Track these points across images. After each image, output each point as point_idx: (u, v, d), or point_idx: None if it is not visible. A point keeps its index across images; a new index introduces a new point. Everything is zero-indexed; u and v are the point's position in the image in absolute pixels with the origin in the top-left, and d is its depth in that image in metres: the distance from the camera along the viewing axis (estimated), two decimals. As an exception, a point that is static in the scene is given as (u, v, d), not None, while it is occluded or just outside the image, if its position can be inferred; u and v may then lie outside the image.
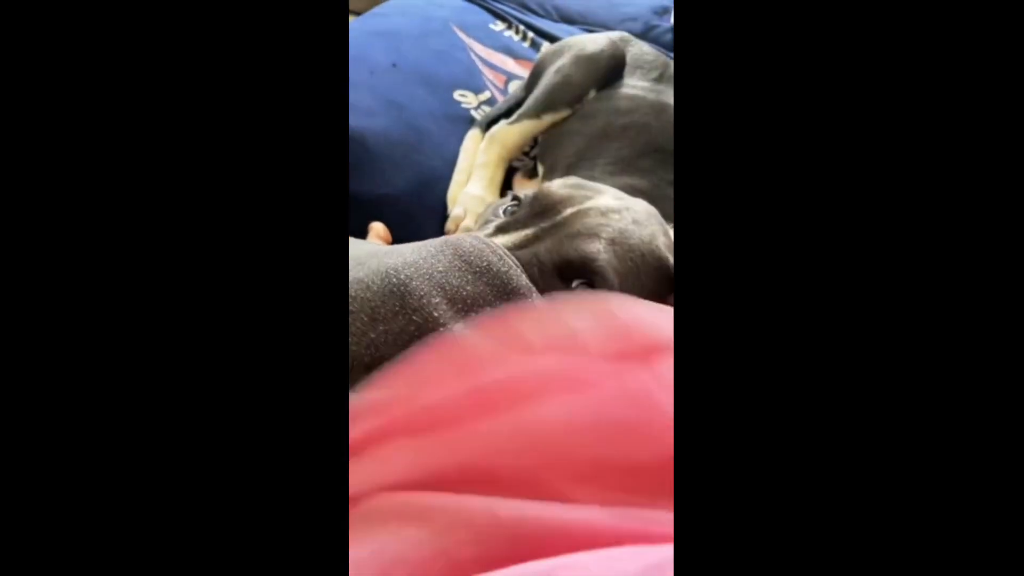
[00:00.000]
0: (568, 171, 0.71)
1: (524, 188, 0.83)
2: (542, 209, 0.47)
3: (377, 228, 0.72)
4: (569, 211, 0.46)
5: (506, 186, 0.84)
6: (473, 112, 0.89)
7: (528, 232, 0.45)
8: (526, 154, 0.87)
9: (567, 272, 0.43)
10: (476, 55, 0.99)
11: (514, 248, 0.44)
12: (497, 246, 0.42)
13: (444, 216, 0.79)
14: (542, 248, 0.44)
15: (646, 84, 0.79)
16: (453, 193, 0.80)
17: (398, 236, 0.74)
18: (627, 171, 0.67)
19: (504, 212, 0.49)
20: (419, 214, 0.78)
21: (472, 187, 0.79)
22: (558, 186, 0.49)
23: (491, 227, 0.48)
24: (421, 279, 0.38)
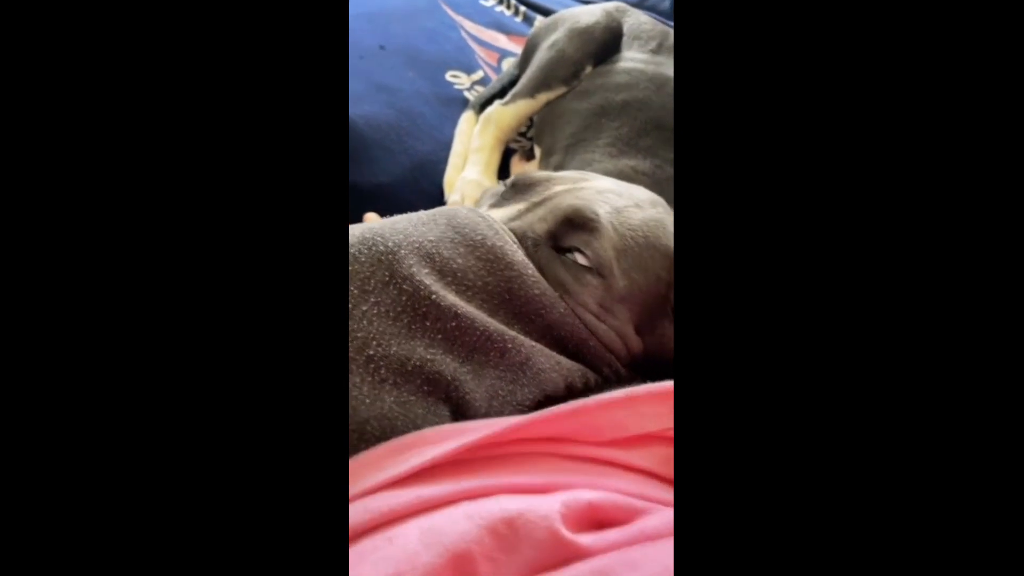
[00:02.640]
0: (567, 152, 0.69)
1: (520, 170, 0.81)
2: (528, 186, 0.45)
3: (371, 219, 0.70)
4: (560, 188, 0.43)
5: (503, 168, 0.82)
6: (466, 93, 0.86)
7: (520, 206, 0.43)
8: (523, 135, 0.84)
9: (561, 235, 0.40)
10: (467, 33, 0.96)
11: (507, 222, 0.42)
12: (494, 220, 0.40)
13: (441, 203, 0.77)
14: (535, 218, 0.41)
15: (644, 56, 0.76)
16: (449, 178, 0.78)
17: (394, 226, 0.72)
18: (628, 152, 0.64)
19: (496, 195, 0.47)
20: (415, 202, 0.75)
21: (469, 172, 0.77)
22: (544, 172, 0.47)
23: (484, 207, 0.46)
24: (409, 247, 0.36)
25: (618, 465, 0.30)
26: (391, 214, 0.71)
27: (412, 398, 0.33)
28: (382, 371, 0.33)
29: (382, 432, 0.31)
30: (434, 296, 0.35)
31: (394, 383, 0.33)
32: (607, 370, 0.40)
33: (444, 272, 0.36)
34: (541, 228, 0.41)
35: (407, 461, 0.28)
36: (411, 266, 0.36)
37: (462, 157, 0.79)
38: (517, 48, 0.95)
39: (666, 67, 0.73)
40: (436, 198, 0.77)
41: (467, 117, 0.82)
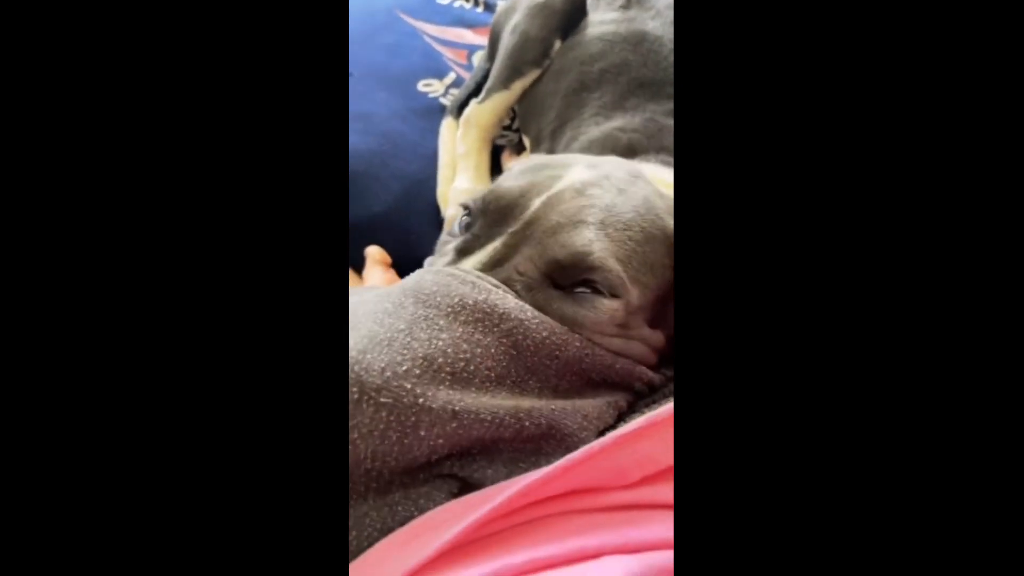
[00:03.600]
0: (554, 137, 0.65)
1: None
2: (500, 212, 0.38)
3: (373, 253, 0.68)
4: (537, 202, 0.38)
5: (495, 167, 0.78)
6: (442, 99, 0.83)
7: (496, 245, 0.37)
8: (508, 127, 0.80)
9: (560, 277, 0.36)
10: (430, 37, 0.93)
11: (486, 269, 0.36)
12: (467, 272, 0.35)
13: (440, 220, 0.74)
14: (521, 259, 0.36)
15: (614, 15, 0.71)
16: (443, 192, 0.75)
17: (397, 254, 0.69)
18: (614, 115, 0.59)
19: (458, 228, 0.41)
20: (413, 225, 0.73)
21: (460, 181, 0.73)
22: (512, 177, 0.40)
23: (450, 253, 0.39)
24: (378, 350, 0.31)
25: (654, 506, 0.26)
26: (392, 243, 0.69)
27: (413, 490, 0.29)
28: (385, 476, 0.29)
29: (383, 524, 0.28)
30: (421, 400, 0.30)
31: (400, 483, 0.29)
32: (639, 384, 0.36)
33: (430, 359, 0.31)
34: (531, 270, 0.36)
35: (412, 555, 0.25)
36: (383, 371, 0.30)
37: (451, 168, 0.75)
38: (485, 40, 0.91)
39: (639, 22, 0.68)
40: (434, 216, 0.74)
41: (447, 124, 0.79)
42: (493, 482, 0.30)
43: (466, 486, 0.31)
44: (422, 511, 0.29)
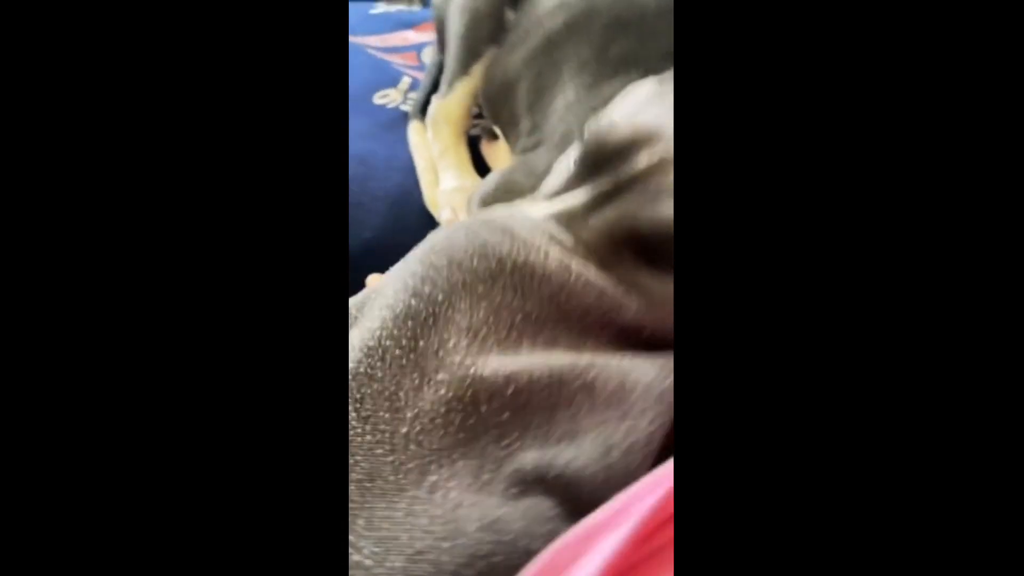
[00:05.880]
0: (532, 111, 0.60)
1: (493, 153, 0.73)
2: (603, 156, 0.33)
3: (375, 281, 0.64)
4: (648, 157, 0.32)
5: (476, 159, 0.74)
6: (403, 107, 0.79)
7: (587, 193, 0.33)
8: (479, 115, 0.76)
9: (642, 250, 0.32)
10: (375, 49, 0.89)
11: (571, 219, 0.32)
12: (518, 222, 0.31)
13: (434, 226, 0.69)
14: (606, 217, 0.32)
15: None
16: (430, 197, 0.70)
17: (401, 275, 0.65)
18: (603, 74, 0.54)
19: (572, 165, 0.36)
20: (408, 241, 0.67)
21: (446, 181, 0.69)
22: (633, 108, 0.34)
23: (541, 195, 0.36)
24: (425, 327, 0.29)
25: None
26: (390, 265, 0.65)
27: (498, 512, 0.25)
28: (452, 494, 0.25)
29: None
30: (472, 370, 0.27)
31: (472, 504, 0.25)
32: None
33: (474, 329, 0.28)
34: (607, 234, 0.32)
35: None
36: (436, 350, 0.28)
37: (431, 171, 0.71)
38: (429, 36, 0.87)
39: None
40: (427, 226, 0.70)
41: (414, 128, 0.75)
42: (586, 467, 0.26)
43: (565, 496, 0.26)
44: (508, 531, 0.25)
